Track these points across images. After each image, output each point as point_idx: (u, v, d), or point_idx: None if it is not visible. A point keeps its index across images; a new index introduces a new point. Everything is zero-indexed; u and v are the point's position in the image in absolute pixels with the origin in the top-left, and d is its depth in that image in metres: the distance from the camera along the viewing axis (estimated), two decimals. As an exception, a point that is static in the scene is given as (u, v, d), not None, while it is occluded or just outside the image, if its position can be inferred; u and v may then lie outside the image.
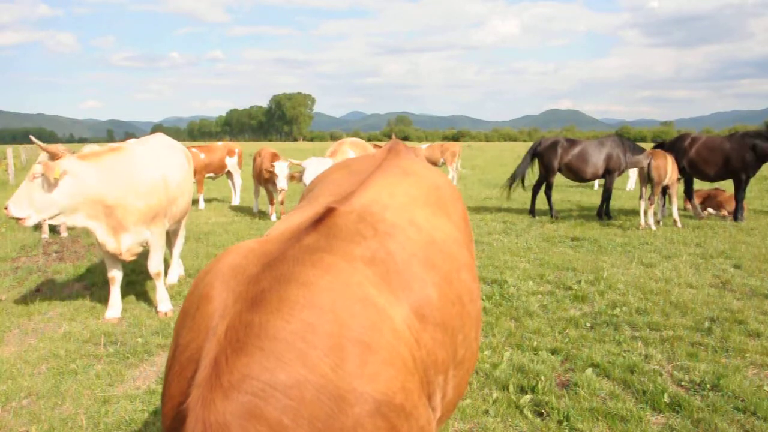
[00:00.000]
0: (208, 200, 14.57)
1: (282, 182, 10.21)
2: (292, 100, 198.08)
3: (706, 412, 3.52)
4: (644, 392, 3.79)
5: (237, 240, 9.02)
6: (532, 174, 11.87)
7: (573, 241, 8.96)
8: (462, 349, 1.77)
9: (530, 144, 15.10)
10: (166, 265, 6.83)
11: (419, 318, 1.55)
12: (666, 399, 3.68)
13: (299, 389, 1.19)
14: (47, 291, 6.34)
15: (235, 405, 1.15)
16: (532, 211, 11.66)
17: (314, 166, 7.48)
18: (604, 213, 11.25)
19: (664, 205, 10.93)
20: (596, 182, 16.95)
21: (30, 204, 4.66)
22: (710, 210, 11.52)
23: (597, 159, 11.08)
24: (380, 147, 5.22)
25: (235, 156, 13.72)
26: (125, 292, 6.11)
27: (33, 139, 5.00)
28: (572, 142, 11.40)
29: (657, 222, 10.13)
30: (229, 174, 13.94)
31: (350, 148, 8.91)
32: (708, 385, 3.88)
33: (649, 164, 9.81)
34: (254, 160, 11.81)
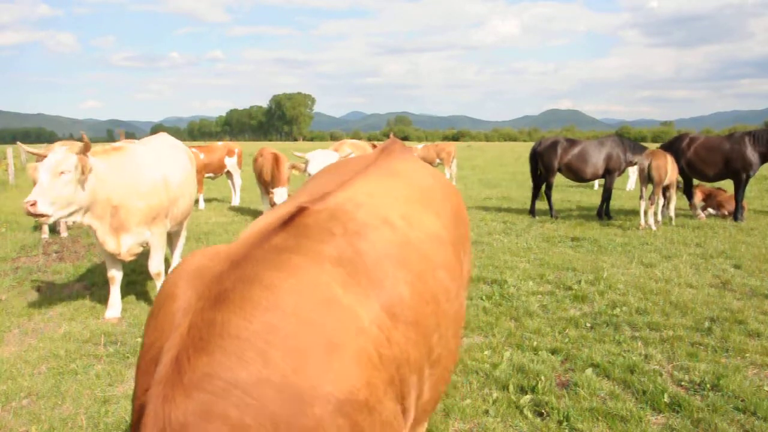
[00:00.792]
0: (208, 200, 14.56)
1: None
2: (292, 100, 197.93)
3: (706, 412, 3.52)
4: (644, 392, 3.79)
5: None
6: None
7: (573, 241, 8.96)
8: (438, 348, 1.75)
9: (530, 144, 15.06)
10: (167, 265, 6.84)
11: (390, 316, 1.53)
12: (666, 399, 3.68)
13: (260, 388, 1.18)
14: (47, 291, 6.34)
15: (196, 403, 1.14)
16: (532, 211, 11.66)
17: (319, 159, 7.45)
18: (604, 213, 11.25)
19: (664, 205, 10.94)
20: (596, 182, 16.93)
21: (54, 200, 4.44)
22: (710, 210, 11.53)
23: (597, 159, 11.08)
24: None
25: (235, 156, 13.75)
26: (125, 292, 6.11)
27: (20, 145, 4.97)
28: (572, 142, 11.39)
29: (657, 222, 10.13)
30: (228, 174, 13.95)
31: (350, 148, 8.92)
32: (708, 385, 3.88)
33: (649, 164, 9.81)
34: (255, 160, 11.77)
